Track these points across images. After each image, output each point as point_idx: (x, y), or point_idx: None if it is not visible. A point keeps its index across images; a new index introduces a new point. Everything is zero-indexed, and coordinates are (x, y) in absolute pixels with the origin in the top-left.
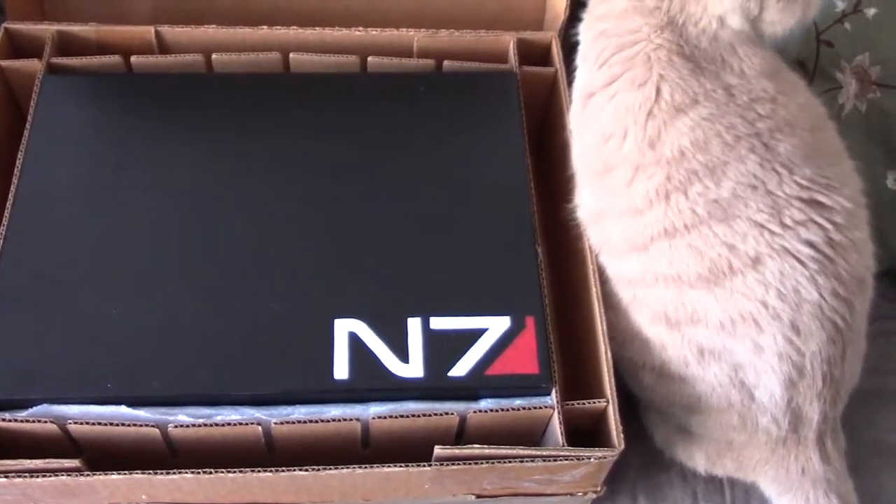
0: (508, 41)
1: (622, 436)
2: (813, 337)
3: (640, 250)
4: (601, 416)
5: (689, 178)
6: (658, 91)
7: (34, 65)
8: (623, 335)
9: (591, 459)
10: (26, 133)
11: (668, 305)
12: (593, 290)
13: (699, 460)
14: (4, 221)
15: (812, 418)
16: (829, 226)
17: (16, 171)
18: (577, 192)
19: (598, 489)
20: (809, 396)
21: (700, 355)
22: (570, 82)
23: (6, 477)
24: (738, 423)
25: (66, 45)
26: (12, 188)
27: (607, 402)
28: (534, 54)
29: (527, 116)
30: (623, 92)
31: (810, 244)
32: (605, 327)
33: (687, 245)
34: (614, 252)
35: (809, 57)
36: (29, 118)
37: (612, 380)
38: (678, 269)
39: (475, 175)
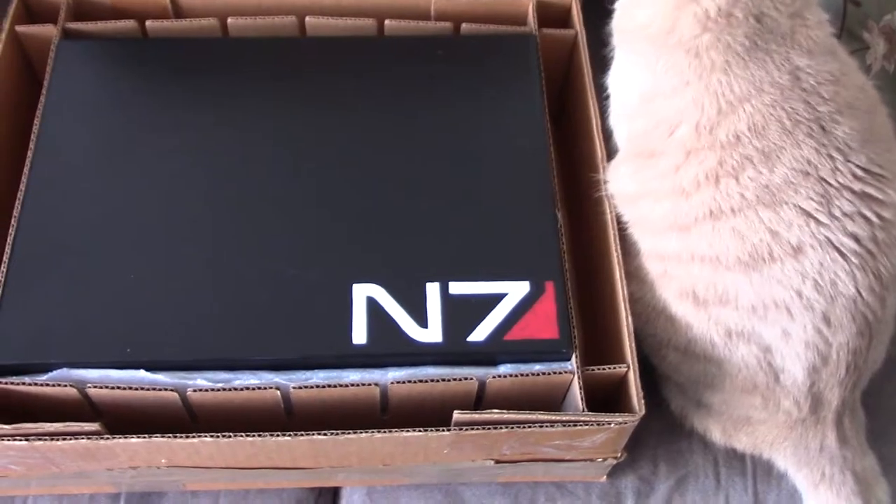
0: (528, 3)
1: (643, 401)
2: (843, 329)
3: (681, 230)
4: (622, 381)
5: (742, 163)
6: (721, 85)
7: (49, 30)
8: (647, 310)
9: (612, 425)
10: (42, 98)
11: (699, 284)
12: (614, 256)
13: (715, 433)
14: (22, 187)
15: (832, 402)
16: (876, 220)
17: (32, 137)
18: (612, 169)
19: (619, 455)
20: (831, 383)
21: (727, 336)
22: (590, 45)
23: (27, 440)
24: (761, 403)
25: (81, 9)
26: (29, 153)
27: (628, 367)
28: (554, 16)
29: (546, 80)
30: (685, 87)
31: (855, 238)
32: (625, 293)
33: (731, 228)
34: (651, 229)
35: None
36: (45, 83)
37: (633, 345)
38: (718, 250)
39: (494, 139)
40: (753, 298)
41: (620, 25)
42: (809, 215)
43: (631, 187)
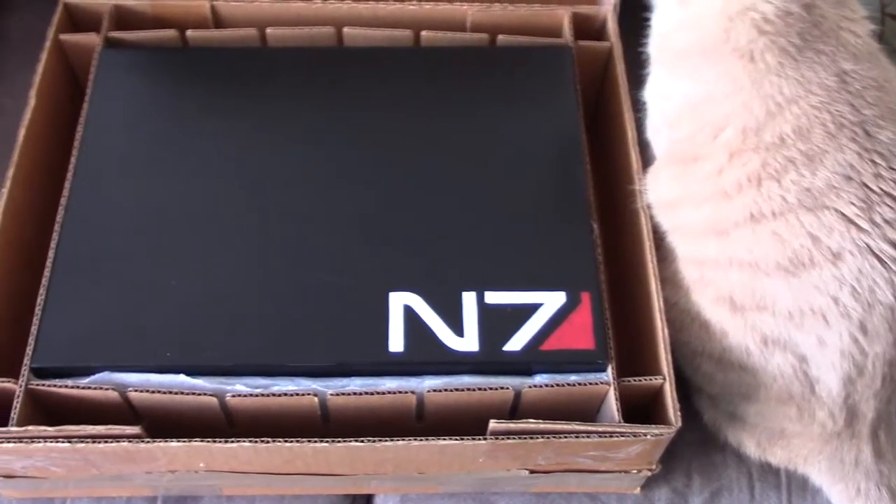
0: (563, 15)
1: (679, 413)
2: (879, 339)
3: (720, 235)
4: (657, 393)
5: (785, 166)
6: (772, 87)
7: (92, 38)
8: (682, 316)
9: (648, 437)
10: (84, 105)
11: (737, 289)
12: (650, 267)
13: (749, 447)
14: (65, 193)
15: (867, 415)
16: None
17: (75, 144)
18: (651, 176)
19: (653, 467)
20: (866, 395)
21: (763, 344)
22: (626, 58)
23: (69, 442)
24: (796, 414)
25: (123, 18)
26: (72, 160)
27: (664, 379)
28: (589, 29)
29: (581, 91)
30: (738, 92)
31: (895, 245)
32: (661, 304)
33: (771, 232)
34: (690, 235)
35: (875, 31)
36: (87, 91)
37: (669, 357)
38: (757, 255)
39: (530, 150)
40: (791, 304)
41: (662, 46)
42: (850, 221)
43: (671, 193)
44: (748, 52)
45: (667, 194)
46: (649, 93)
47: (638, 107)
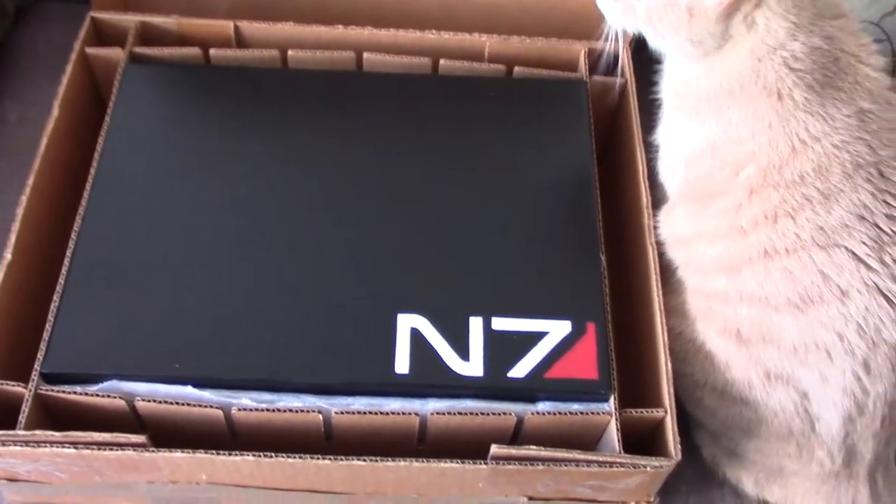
0: (579, 50)
1: (679, 446)
2: (882, 379)
3: (731, 270)
4: (658, 425)
5: (802, 204)
6: (798, 124)
7: (117, 53)
8: (687, 346)
9: (648, 468)
10: (107, 118)
11: (745, 322)
12: (655, 300)
13: (747, 484)
14: (83, 203)
15: (865, 456)
16: None
17: (95, 156)
18: (664, 213)
19: (651, 499)
20: (865, 435)
21: (766, 378)
22: (639, 94)
23: (75, 448)
24: (795, 451)
25: (148, 35)
26: (91, 171)
27: (665, 411)
28: (604, 64)
29: (595, 125)
30: (765, 130)
31: None
32: (665, 338)
33: (783, 269)
34: (702, 270)
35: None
36: (110, 104)
37: (671, 389)
38: (768, 291)
39: (542, 181)
40: (796, 339)
41: (681, 92)
42: (860, 260)
43: (685, 230)
44: (776, 91)
45: (681, 230)
46: (664, 135)
47: (650, 148)
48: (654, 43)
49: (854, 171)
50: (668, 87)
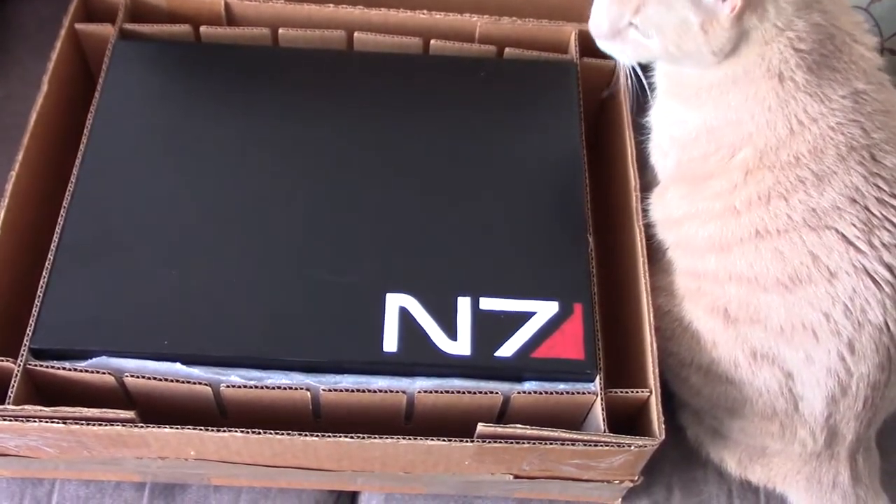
0: (570, 31)
1: (664, 426)
2: (866, 359)
3: (722, 250)
4: (643, 405)
5: (795, 185)
6: (797, 105)
7: (107, 29)
8: (674, 325)
9: (632, 447)
10: (96, 94)
11: (733, 302)
12: (642, 282)
13: (730, 464)
14: (73, 179)
15: (846, 437)
16: None
17: (85, 132)
18: (657, 195)
19: (635, 478)
20: (848, 416)
21: (752, 357)
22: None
23: (64, 423)
24: (778, 431)
25: (139, 12)
26: (81, 147)
27: (650, 392)
28: (594, 46)
29: (584, 107)
30: (765, 112)
31: (890, 269)
32: (651, 318)
33: (773, 249)
34: (692, 250)
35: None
36: (99, 80)
37: (657, 370)
38: (757, 271)
39: (531, 162)
40: (783, 319)
41: (678, 81)
42: (850, 242)
43: (678, 211)
44: (778, 73)
45: (674, 212)
46: (656, 118)
47: (640, 131)
48: (670, 64)
49: (848, 153)
50: (662, 71)
